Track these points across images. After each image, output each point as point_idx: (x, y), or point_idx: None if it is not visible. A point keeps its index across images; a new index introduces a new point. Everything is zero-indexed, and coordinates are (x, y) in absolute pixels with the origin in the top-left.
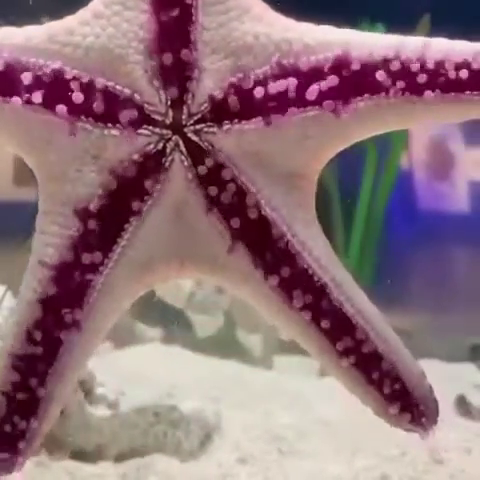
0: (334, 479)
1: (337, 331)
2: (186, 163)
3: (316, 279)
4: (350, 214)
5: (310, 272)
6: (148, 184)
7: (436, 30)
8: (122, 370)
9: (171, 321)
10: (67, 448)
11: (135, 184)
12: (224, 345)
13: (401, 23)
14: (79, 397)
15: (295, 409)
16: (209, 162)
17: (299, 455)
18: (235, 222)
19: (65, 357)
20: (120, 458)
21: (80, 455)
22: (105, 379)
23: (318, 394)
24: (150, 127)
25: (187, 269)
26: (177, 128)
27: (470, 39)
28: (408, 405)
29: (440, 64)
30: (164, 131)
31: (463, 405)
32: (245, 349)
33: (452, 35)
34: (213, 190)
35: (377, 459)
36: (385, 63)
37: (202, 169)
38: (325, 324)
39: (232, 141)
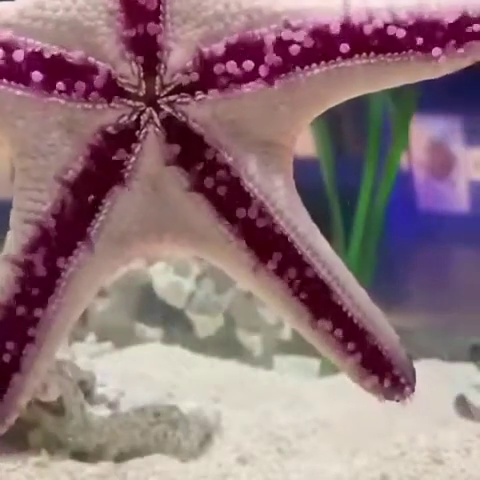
0: (334, 479)
1: (313, 298)
2: (160, 135)
3: (294, 247)
4: (350, 214)
5: (289, 240)
6: (123, 157)
7: None
8: (122, 370)
9: (171, 321)
10: (67, 448)
11: (110, 157)
12: (224, 345)
13: None
14: (79, 397)
15: (295, 409)
16: (184, 133)
17: (299, 455)
18: (212, 193)
19: (42, 331)
20: (120, 458)
21: (80, 455)
22: (105, 379)
23: (318, 394)
24: (123, 99)
25: (165, 242)
26: (150, 100)
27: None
28: (384, 372)
29: (411, 21)
30: (137, 103)
31: (463, 405)
32: (245, 349)
33: None
34: (189, 161)
35: (377, 459)
36: (356, 27)
37: (177, 140)
38: (302, 289)
39: (206, 111)
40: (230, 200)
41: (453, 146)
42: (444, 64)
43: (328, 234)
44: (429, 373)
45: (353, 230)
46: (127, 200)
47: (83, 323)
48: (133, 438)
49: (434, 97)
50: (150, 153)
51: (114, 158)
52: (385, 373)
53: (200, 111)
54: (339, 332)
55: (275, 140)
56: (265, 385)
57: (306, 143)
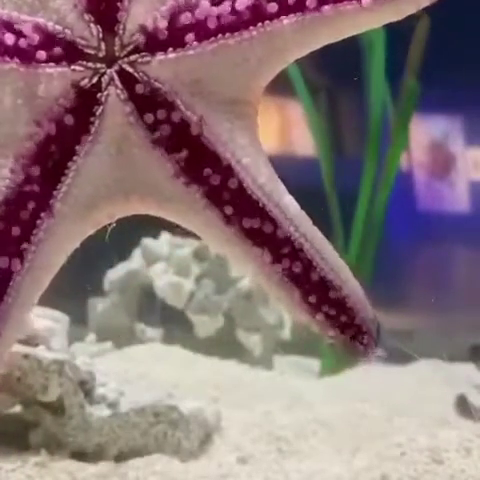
0: (334, 479)
1: (280, 253)
2: (123, 97)
3: (261, 205)
4: (350, 214)
5: (254, 198)
6: (86, 121)
7: (435, 31)
8: (122, 370)
9: (171, 321)
10: (67, 448)
11: (73, 121)
12: (224, 345)
13: (401, 23)
14: (79, 397)
15: (295, 409)
16: (146, 94)
17: (299, 455)
18: (177, 153)
19: (12, 296)
20: (120, 458)
21: (80, 455)
22: (105, 379)
23: (318, 394)
24: (83, 62)
25: (133, 204)
26: (111, 61)
27: (470, 38)
28: (348, 326)
29: None
30: (98, 65)
31: (463, 405)
32: (245, 349)
33: (451, 35)
34: (153, 122)
35: (377, 459)
36: None
37: (139, 101)
38: (270, 248)
39: (168, 70)
40: (196, 160)
41: (453, 146)
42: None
43: (327, 234)
44: (429, 373)
45: (353, 230)
46: (92, 164)
47: (83, 323)
48: (133, 438)
49: (434, 97)
50: (113, 115)
51: (77, 122)
52: (349, 327)
53: (161, 71)
54: (305, 285)
55: (240, 97)
56: (265, 385)
57: (306, 143)
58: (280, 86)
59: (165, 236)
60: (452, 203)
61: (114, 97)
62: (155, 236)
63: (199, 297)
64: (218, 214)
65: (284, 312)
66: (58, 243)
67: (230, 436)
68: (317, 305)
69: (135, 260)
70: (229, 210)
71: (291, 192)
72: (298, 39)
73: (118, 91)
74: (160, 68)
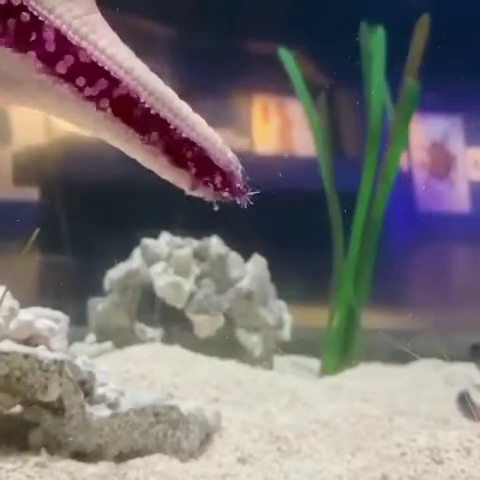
0: (334, 479)
1: (132, 113)
2: None
3: (107, 69)
4: (350, 214)
5: (100, 64)
6: None
7: (435, 30)
8: (122, 370)
9: (171, 321)
10: (67, 448)
11: None
12: (224, 345)
13: (400, 23)
14: (79, 397)
15: (295, 409)
16: None
17: (299, 455)
18: (15, 33)
19: None
20: (120, 458)
21: (80, 455)
22: (105, 379)
23: (318, 394)
24: None
25: None
26: None
27: (470, 38)
28: (213, 173)
29: None
30: None
31: (463, 405)
32: (245, 349)
33: (451, 35)
34: None
35: (377, 459)
36: None
37: None
38: (120, 108)
39: None
40: (36, 37)
41: (453, 146)
42: None
43: (328, 234)
44: (429, 373)
45: (353, 230)
46: None
47: (83, 323)
48: (133, 438)
49: (434, 96)
50: None
51: None
52: (215, 174)
53: None
54: (163, 143)
55: None
56: (265, 385)
57: (306, 143)
58: (280, 86)
59: (165, 236)
60: (452, 203)
61: None
62: (155, 236)
63: (199, 297)
64: (70, 87)
65: (284, 313)
66: None
67: (230, 436)
68: (180, 159)
69: (135, 260)
70: (80, 81)
71: (291, 192)
72: None
73: None
74: None
